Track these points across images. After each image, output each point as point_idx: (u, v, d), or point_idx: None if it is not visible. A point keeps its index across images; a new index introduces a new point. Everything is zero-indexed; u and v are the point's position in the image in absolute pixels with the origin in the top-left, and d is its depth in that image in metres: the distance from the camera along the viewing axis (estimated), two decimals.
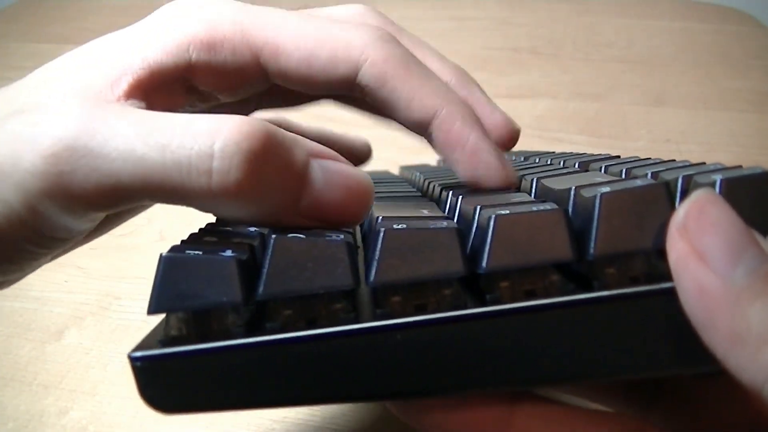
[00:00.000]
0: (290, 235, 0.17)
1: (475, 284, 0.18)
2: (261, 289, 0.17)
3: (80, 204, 0.18)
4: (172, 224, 0.49)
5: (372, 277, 0.17)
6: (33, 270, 0.22)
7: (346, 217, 0.19)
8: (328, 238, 0.17)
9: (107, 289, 0.42)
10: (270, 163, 0.18)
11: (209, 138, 0.17)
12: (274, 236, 0.17)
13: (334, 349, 0.17)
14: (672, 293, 0.16)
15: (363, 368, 0.17)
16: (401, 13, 0.89)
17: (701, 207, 0.16)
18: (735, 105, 0.63)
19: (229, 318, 0.17)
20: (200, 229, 0.21)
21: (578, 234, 0.17)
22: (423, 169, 0.40)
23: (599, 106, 0.64)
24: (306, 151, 0.19)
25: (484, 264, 0.17)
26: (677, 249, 0.16)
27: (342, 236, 0.17)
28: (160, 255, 0.16)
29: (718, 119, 0.60)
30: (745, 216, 0.16)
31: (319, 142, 0.20)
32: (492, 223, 0.17)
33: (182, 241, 0.18)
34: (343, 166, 0.20)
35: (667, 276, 0.16)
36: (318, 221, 0.19)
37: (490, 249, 0.17)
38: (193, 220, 0.50)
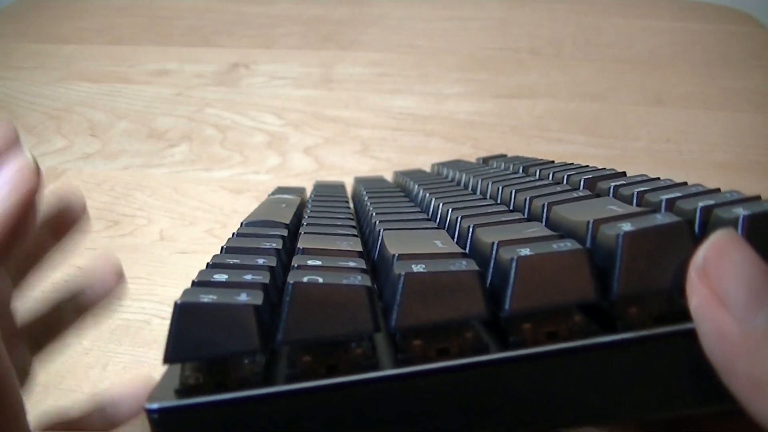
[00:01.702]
0: (308, 280, 0.17)
1: (495, 323, 0.17)
2: (280, 336, 0.16)
3: None
4: (173, 224, 0.49)
5: (393, 322, 0.16)
6: None
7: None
8: (347, 282, 0.17)
9: None
10: None
11: None
12: (292, 282, 0.16)
13: (356, 397, 0.16)
14: (694, 334, 0.16)
15: (384, 414, 0.16)
16: (401, 13, 0.89)
17: (721, 249, 0.16)
18: (735, 105, 0.63)
19: (246, 365, 0.17)
20: (209, 264, 0.20)
21: (600, 273, 0.17)
22: (417, 176, 0.40)
23: (599, 106, 0.64)
24: None
25: (506, 307, 0.17)
26: (697, 294, 0.16)
27: (360, 278, 0.17)
28: (175, 303, 0.16)
29: (718, 119, 0.60)
30: (766, 254, 0.16)
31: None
32: (514, 265, 0.17)
33: (193, 282, 0.18)
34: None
35: (689, 314, 0.16)
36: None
37: (512, 292, 0.17)
38: (193, 221, 0.50)
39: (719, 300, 0.15)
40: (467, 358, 0.16)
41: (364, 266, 0.19)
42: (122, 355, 0.38)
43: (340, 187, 0.42)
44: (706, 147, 0.56)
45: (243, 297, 0.17)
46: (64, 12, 0.93)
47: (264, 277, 0.18)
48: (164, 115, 0.66)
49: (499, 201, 0.27)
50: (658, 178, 0.24)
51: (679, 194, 0.20)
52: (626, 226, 0.17)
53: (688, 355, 0.16)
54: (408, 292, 0.16)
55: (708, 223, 0.18)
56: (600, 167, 0.28)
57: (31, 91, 0.71)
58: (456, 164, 0.41)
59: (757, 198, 0.18)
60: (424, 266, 0.17)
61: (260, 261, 0.20)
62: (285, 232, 0.25)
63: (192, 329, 0.16)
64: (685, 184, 0.22)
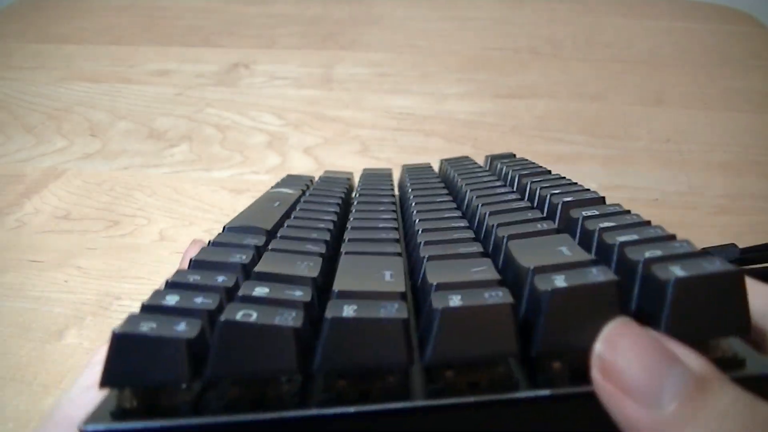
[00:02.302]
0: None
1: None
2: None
3: None
4: (173, 224, 0.49)
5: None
6: None
7: None
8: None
9: (107, 289, 0.42)
10: None
11: None
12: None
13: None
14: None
15: None
16: (401, 13, 0.89)
17: (613, 343, 0.16)
18: (735, 105, 0.63)
19: (178, 395, 0.17)
20: (167, 283, 0.21)
21: (527, 326, 0.17)
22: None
23: (599, 106, 0.64)
24: None
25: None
26: (601, 390, 0.16)
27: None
28: (112, 331, 0.17)
29: (718, 119, 0.60)
30: (702, 316, 0.16)
31: None
32: (438, 315, 0.17)
33: (142, 306, 0.19)
34: None
35: None
36: None
37: (434, 342, 0.17)
38: (193, 221, 0.50)
39: (623, 391, 0.15)
40: (500, 395, 0.17)
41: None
42: None
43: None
44: (706, 147, 0.56)
45: (180, 327, 0.17)
46: (64, 12, 0.93)
47: (213, 301, 0.19)
48: (164, 115, 0.66)
49: (476, 220, 0.28)
50: (628, 212, 0.24)
51: (634, 238, 0.20)
52: (558, 281, 0.17)
53: (601, 415, 0.16)
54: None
55: (648, 278, 0.18)
56: (586, 188, 0.28)
57: (31, 91, 0.71)
58: (460, 164, 0.41)
59: (705, 253, 0.18)
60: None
61: (220, 279, 0.20)
62: (261, 241, 0.25)
63: (126, 358, 0.17)
64: (649, 223, 0.22)
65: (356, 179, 0.42)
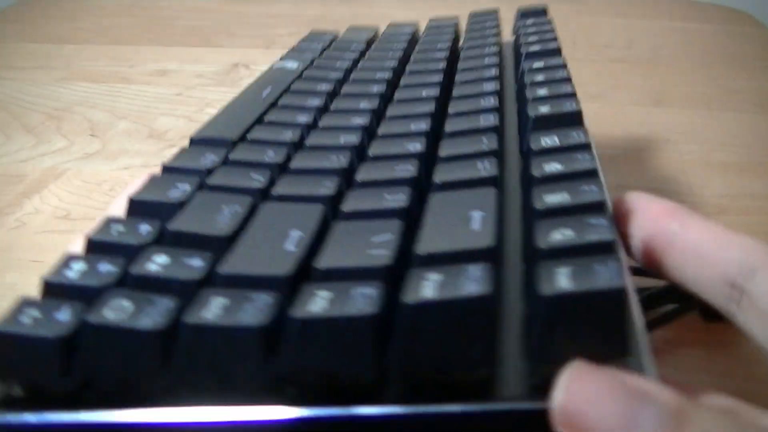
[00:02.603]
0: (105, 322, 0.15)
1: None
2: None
3: None
4: None
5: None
6: None
7: None
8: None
9: None
10: None
11: None
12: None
13: None
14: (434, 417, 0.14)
15: None
16: (402, 13, 0.89)
17: (573, 393, 0.14)
18: (736, 105, 0.63)
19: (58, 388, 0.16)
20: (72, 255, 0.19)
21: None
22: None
23: (599, 106, 0.64)
24: None
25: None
26: None
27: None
28: None
29: (718, 119, 0.60)
30: (578, 337, 0.14)
31: None
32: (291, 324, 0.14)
33: (44, 283, 0.18)
34: None
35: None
36: None
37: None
38: None
39: None
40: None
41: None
42: None
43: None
44: (706, 147, 0.56)
45: (63, 316, 0.16)
46: (64, 12, 0.93)
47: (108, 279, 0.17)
48: (164, 115, 0.66)
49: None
50: (588, 146, 0.22)
51: (559, 202, 0.18)
52: (428, 288, 0.14)
53: None
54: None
55: (534, 275, 0.15)
56: (571, 92, 0.27)
57: (31, 91, 0.71)
58: (480, 25, 0.38)
59: (610, 251, 0.16)
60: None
61: (108, 268, 0.18)
62: (218, 161, 0.23)
63: (2, 352, 0.16)
64: (595, 174, 0.20)
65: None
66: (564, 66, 0.31)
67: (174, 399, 0.15)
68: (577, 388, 0.14)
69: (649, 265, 0.21)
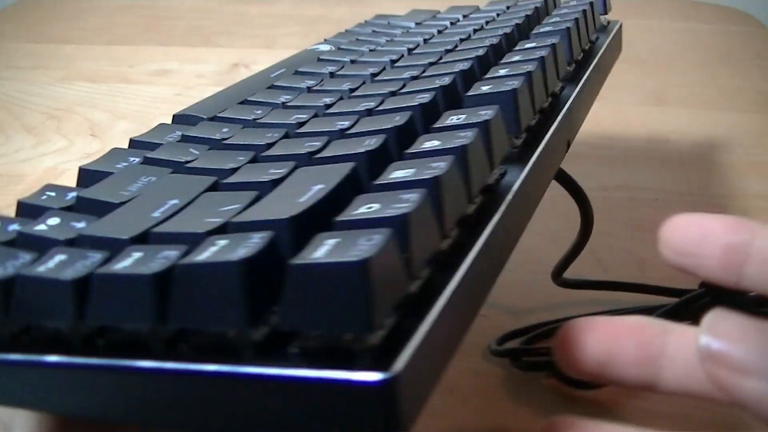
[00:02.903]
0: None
1: None
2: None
3: None
4: None
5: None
6: None
7: None
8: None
9: None
10: None
11: None
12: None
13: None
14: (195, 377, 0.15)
15: None
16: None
17: (718, 331, 0.16)
18: (736, 105, 0.63)
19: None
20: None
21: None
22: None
23: (599, 106, 0.64)
24: None
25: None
26: (715, 377, 0.16)
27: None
28: None
29: (718, 119, 0.60)
30: (320, 307, 0.14)
31: None
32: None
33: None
34: None
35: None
36: None
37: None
38: None
39: (741, 375, 0.15)
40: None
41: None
42: None
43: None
44: (706, 147, 0.56)
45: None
46: (63, 12, 0.93)
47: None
48: (164, 115, 0.65)
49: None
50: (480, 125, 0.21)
51: (401, 177, 0.18)
52: (204, 254, 0.15)
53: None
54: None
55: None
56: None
57: (31, 91, 0.71)
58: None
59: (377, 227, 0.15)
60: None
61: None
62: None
63: None
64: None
65: None
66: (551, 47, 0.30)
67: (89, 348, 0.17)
68: (721, 325, 0.16)
69: (726, 282, 0.20)
